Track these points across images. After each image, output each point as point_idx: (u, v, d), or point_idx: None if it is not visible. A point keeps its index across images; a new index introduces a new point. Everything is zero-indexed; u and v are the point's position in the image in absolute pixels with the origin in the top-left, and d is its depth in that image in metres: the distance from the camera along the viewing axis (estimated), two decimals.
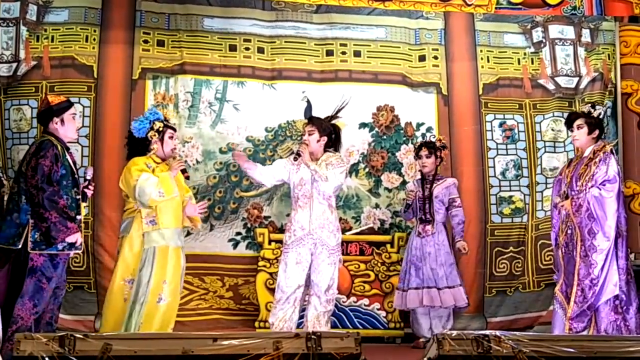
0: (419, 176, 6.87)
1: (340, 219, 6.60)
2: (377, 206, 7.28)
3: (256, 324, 6.72)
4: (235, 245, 7.05)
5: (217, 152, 7.13)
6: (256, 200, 7.13)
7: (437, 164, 6.82)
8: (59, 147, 4.91)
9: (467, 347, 3.46)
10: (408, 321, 6.73)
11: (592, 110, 5.66)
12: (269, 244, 6.88)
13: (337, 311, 6.53)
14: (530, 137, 7.42)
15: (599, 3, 7.57)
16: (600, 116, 5.65)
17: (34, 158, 4.82)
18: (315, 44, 7.37)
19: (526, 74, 7.48)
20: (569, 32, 7.55)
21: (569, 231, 5.51)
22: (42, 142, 4.91)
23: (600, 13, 7.55)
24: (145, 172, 5.23)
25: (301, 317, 5.85)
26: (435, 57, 7.49)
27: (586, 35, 7.50)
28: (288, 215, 6.15)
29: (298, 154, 5.81)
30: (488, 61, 7.50)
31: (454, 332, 3.52)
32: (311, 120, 6.05)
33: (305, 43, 7.35)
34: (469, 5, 7.46)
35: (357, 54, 7.43)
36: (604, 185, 5.38)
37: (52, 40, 6.89)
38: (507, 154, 7.43)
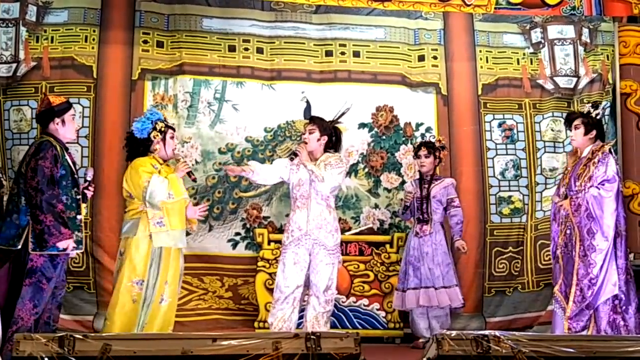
0: (417, 176, 6.88)
1: (340, 219, 6.60)
2: (376, 206, 7.28)
3: (255, 324, 6.72)
4: (235, 246, 7.05)
5: (216, 152, 7.13)
6: (255, 200, 7.13)
7: (436, 165, 6.83)
8: (58, 148, 4.91)
9: (467, 347, 3.47)
10: (407, 321, 6.73)
11: (592, 110, 5.66)
12: (268, 244, 6.88)
13: (336, 311, 6.53)
14: (529, 137, 7.43)
15: (598, 3, 7.58)
16: (599, 116, 5.63)
17: (34, 159, 4.81)
18: (314, 45, 7.38)
19: (525, 74, 7.48)
20: (568, 32, 7.55)
21: (568, 231, 5.51)
22: (41, 143, 4.90)
23: (600, 13, 7.56)
24: (154, 173, 5.23)
25: (300, 317, 5.85)
26: (435, 57, 7.49)
27: (585, 36, 7.50)
28: (287, 215, 6.15)
29: (294, 154, 5.83)
30: (487, 61, 7.50)
31: (453, 332, 3.53)
32: (313, 119, 6.06)
33: (304, 43, 7.35)
34: (468, 5, 7.47)
35: (356, 54, 7.43)
36: (603, 185, 5.39)
37: (52, 41, 6.89)
38: (506, 154, 7.43)
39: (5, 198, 5.38)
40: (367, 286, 6.91)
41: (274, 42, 7.32)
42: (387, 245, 7.01)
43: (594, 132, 5.60)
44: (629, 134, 7.25)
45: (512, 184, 7.38)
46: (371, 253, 6.97)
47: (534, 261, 7.18)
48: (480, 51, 7.52)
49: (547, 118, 7.41)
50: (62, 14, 6.97)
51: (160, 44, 7.12)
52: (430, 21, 7.51)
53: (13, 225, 4.79)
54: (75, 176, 5.04)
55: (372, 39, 7.47)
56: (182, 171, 5.42)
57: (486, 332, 3.56)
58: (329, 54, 7.39)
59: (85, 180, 5.25)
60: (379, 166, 7.32)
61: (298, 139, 6.92)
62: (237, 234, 7.07)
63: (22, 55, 6.81)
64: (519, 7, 7.59)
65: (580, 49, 7.50)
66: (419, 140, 7.14)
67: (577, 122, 5.64)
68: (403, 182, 7.24)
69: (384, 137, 7.36)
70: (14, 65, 6.80)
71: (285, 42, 7.33)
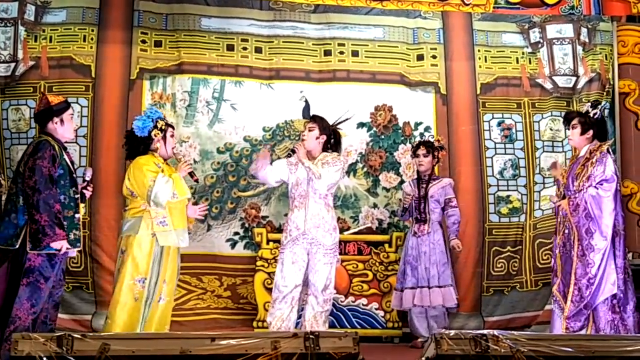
0: (416, 176, 6.88)
1: (338, 218, 6.61)
2: (375, 206, 7.27)
3: (254, 323, 6.72)
4: (233, 245, 7.05)
5: (214, 151, 7.13)
6: (254, 200, 7.13)
7: (434, 164, 6.83)
8: (57, 147, 4.91)
9: (465, 346, 3.46)
10: (406, 321, 6.73)
11: (591, 109, 5.64)
12: (267, 243, 6.88)
13: (335, 311, 6.54)
14: (528, 137, 7.43)
15: (597, 2, 7.58)
16: (596, 116, 5.62)
17: (32, 158, 4.81)
18: (313, 44, 7.37)
19: (524, 73, 7.48)
20: (567, 31, 7.55)
21: (566, 230, 5.51)
22: (40, 143, 4.90)
23: (598, 12, 7.55)
24: (160, 173, 5.23)
25: (299, 316, 5.85)
26: (434, 57, 7.49)
27: (584, 35, 7.50)
28: (286, 215, 6.15)
29: (293, 150, 5.84)
30: (486, 61, 7.50)
31: (452, 332, 3.52)
32: (314, 117, 6.06)
33: (303, 43, 7.35)
34: (467, 4, 7.46)
35: (355, 53, 7.42)
36: (601, 184, 5.38)
37: (50, 41, 6.89)
38: (505, 154, 7.43)
39: (3, 198, 5.38)
40: (365, 286, 6.91)
41: (272, 42, 7.31)
42: (386, 245, 7.02)
43: (591, 132, 5.58)
44: (627, 134, 7.26)
45: (510, 184, 7.38)
46: (370, 252, 6.97)
47: (532, 260, 7.18)
48: (479, 50, 7.52)
49: (546, 118, 7.41)
50: (61, 14, 6.97)
51: (158, 43, 7.11)
52: (429, 20, 7.50)
53: (11, 224, 4.78)
54: (74, 175, 5.04)
55: (370, 39, 7.47)
56: (184, 171, 5.43)
57: (485, 331, 3.55)
58: (327, 53, 7.38)
59: (84, 180, 5.24)
60: (378, 166, 7.32)
61: (297, 138, 6.92)
62: (236, 233, 7.07)
63: (20, 54, 6.81)
64: (517, 6, 7.58)
65: (579, 48, 7.50)
66: (417, 139, 7.13)
67: (574, 121, 5.64)
68: (402, 182, 7.24)
69: (382, 137, 7.36)
70: (13, 64, 6.79)
71: (283, 42, 7.33)
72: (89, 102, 6.89)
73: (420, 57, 7.47)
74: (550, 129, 7.39)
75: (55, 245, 4.75)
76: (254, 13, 7.31)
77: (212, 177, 7.09)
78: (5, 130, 6.67)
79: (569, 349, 3.51)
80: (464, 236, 7.00)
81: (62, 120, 5.02)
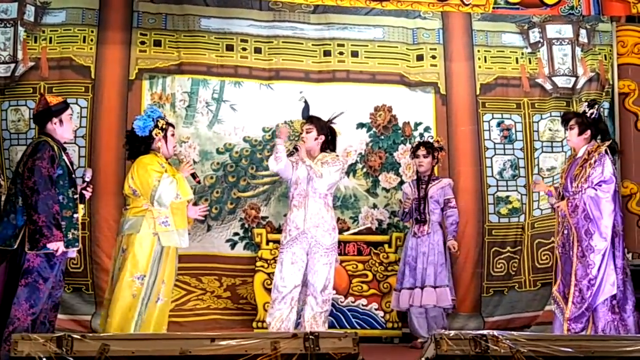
0: (415, 177, 6.87)
1: (338, 219, 6.61)
2: (374, 206, 7.27)
3: (254, 324, 6.72)
4: (233, 246, 7.05)
5: (214, 152, 7.13)
6: (253, 200, 7.13)
7: (434, 165, 6.83)
8: (56, 148, 4.90)
9: (465, 347, 3.46)
10: (406, 321, 6.72)
11: (588, 109, 5.63)
12: (267, 244, 6.88)
13: (334, 311, 6.54)
14: (527, 137, 7.43)
15: (597, 3, 7.57)
16: (594, 115, 5.61)
17: (31, 159, 4.80)
18: (312, 44, 7.37)
19: (524, 73, 7.49)
20: (567, 32, 7.55)
21: (566, 231, 5.51)
22: (39, 143, 4.90)
23: (598, 13, 7.55)
24: (164, 173, 5.23)
25: (299, 317, 5.85)
26: (433, 57, 7.49)
27: (583, 36, 7.50)
28: (285, 215, 6.15)
29: (295, 148, 5.84)
30: (485, 61, 7.51)
31: (452, 332, 3.52)
32: (310, 119, 6.07)
33: (302, 43, 7.35)
34: (467, 5, 7.46)
35: (354, 54, 7.42)
36: (600, 185, 5.38)
37: (50, 42, 6.89)
38: (504, 154, 7.43)
39: (3, 198, 5.37)
40: (365, 286, 6.91)
41: (272, 42, 7.31)
42: (386, 245, 7.02)
43: (588, 132, 5.58)
44: (627, 134, 7.26)
45: (510, 184, 7.38)
46: (369, 253, 6.97)
47: (531, 260, 7.18)
48: (479, 51, 7.52)
49: (546, 118, 7.41)
50: (60, 15, 6.97)
51: (157, 43, 7.11)
52: (429, 21, 7.50)
53: (10, 225, 4.78)
54: (73, 176, 5.03)
55: (370, 39, 7.47)
56: (187, 172, 5.43)
57: (484, 332, 3.55)
58: (327, 53, 7.38)
59: (84, 181, 5.23)
60: (378, 166, 7.32)
61: (296, 139, 6.91)
62: (236, 234, 7.07)
63: (20, 55, 6.81)
64: (517, 6, 7.58)
65: (578, 49, 7.50)
66: (417, 139, 7.13)
67: (571, 122, 5.63)
68: (401, 182, 7.24)
69: (382, 137, 7.36)
70: (12, 65, 6.79)
71: (283, 42, 7.33)
72: (89, 103, 6.89)
73: (419, 58, 7.47)
74: (550, 130, 7.39)
75: (51, 246, 4.74)
76: (253, 13, 7.32)
77: (211, 178, 7.09)
78: (4, 131, 6.67)
79: (569, 349, 3.50)
80: (464, 237, 7.00)
81: (61, 121, 5.02)
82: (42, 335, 3.51)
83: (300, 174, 5.83)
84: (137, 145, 5.38)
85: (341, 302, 6.82)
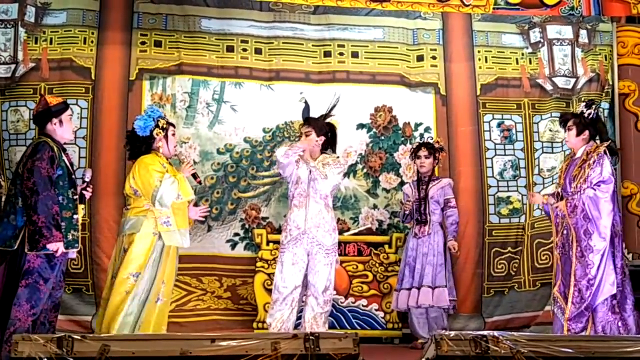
0: (416, 177, 6.87)
1: (338, 219, 6.61)
2: (375, 207, 7.28)
3: (254, 324, 6.72)
4: (233, 246, 7.05)
5: (214, 152, 7.13)
6: (254, 201, 7.13)
7: (434, 165, 6.83)
8: (56, 149, 4.90)
9: (465, 347, 3.46)
10: (406, 322, 6.72)
11: (586, 109, 5.63)
12: (267, 244, 6.88)
13: (335, 312, 6.54)
14: (527, 138, 7.43)
15: (597, 3, 7.57)
16: (591, 116, 5.60)
17: (30, 160, 4.80)
18: (312, 45, 7.37)
19: (524, 73, 7.49)
20: (567, 32, 7.56)
21: (565, 231, 5.51)
22: (38, 144, 4.90)
23: (598, 13, 7.55)
24: (166, 173, 5.23)
25: (299, 317, 5.85)
26: (433, 58, 7.49)
27: (583, 36, 7.50)
28: (285, 215, 6.15)
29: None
30: (486, 61, 7.51)
31: (452, 333, 3.52)
32: (307, 121, 6.06)
33: (302, 44, 7.35)
34: (467, 5, 7.46)
35: (354, 54, 7.43)
36: (599, 186, 5.38)
37: (51, 42, 6.89)
38: (504, 154, 7.43)
39: (2, 199, 5.37)
40: (365, 286, 6.91)
41: (272, 43, 7.32)
42: (386, 246, 7.02)
43: (587, 132, 5.57)
44: (627, 134, 7.26)
45: (510, 184, 7.38)
46: (370, 253, 6.97)
47: (530, 260, 7.18)
48: (479, 51, 7.52)
49: (546, 119, 7.41)
50: (61, 15, 6.97)
51: (158, 44, 7.12)
52: (429, 21, 7.51)
53: (10, 226, 4.78)
54: (73, 177, 5.03)
55: (370, 40, 7.47)
56: (188, 172, 5.43)
57: (484, 332, 3.55)
58: (327, 54, 7.39)
59: (84, 182, 5.23)
60: (378, 167, 7.32)
61: (296, 139, 6.91)
62: (236, 234, 7.07)
63: (20, 56, 6.82)
64: (517, 7, 7.58)
65: (578, 49, 7.51)
66: (417, 140, 7.13)
67: (569, 123, 5.63)
68: (402, 183, 7.24)
69: (382, 138, 7.36)
70: (13, 66, 6.80)
71: (283, 43, 7.33)
72: (89, 104, 6.89)
73: (420, 58, 7.48)
74: (550, 130, 7.39)
75: (50, 246, 4.74)
76: (253, 14, 7.32)
77: (212, 178, 7.09)
78: (4, 131, 6.67)
79: (569, 350, 3.51)
80: (464, 237, 7.00)
81: (60, 121, 5.02)
82: (42, 335, 3.51)
83: (301, 174, 5.82)
84: (138, 145, 5.38)
85: (341, 302, 6.82)
